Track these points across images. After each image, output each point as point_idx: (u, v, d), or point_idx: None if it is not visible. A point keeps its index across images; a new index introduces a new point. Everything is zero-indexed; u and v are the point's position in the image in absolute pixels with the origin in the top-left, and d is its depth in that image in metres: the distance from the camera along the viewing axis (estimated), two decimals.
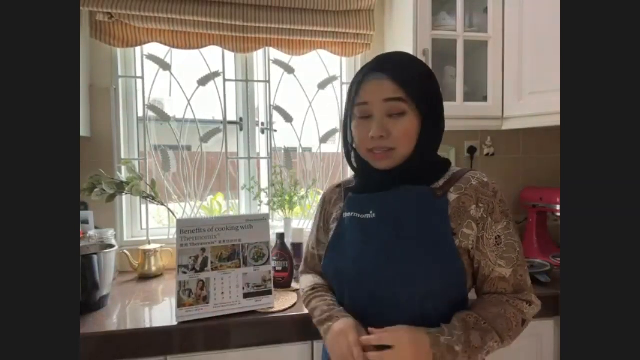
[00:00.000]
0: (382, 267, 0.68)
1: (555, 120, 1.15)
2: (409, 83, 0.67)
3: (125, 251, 1.29)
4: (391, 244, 0.68)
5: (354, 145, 0.75)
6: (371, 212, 0.72)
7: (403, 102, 0.67)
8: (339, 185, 0.83)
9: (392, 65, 0.69)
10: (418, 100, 0.67)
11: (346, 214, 0.76)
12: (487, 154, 1.55)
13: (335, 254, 0.75)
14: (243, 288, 0.96)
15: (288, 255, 1.16)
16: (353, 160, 0.77)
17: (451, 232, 0.67)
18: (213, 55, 1.46)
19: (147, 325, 0.91)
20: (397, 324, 0.64)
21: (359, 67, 1.60)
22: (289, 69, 1.52)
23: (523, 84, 1.23)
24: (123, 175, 1.32)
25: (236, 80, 1.50)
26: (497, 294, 0.70)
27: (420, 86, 0.69)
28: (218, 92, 1.46)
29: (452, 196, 0.69)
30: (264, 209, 1.49)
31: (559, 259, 1.31)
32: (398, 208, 0.70)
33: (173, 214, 1.36)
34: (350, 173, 0.83)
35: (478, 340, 0.62)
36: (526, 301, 0.69)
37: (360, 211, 0.73)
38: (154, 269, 1.30)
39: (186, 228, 0.95)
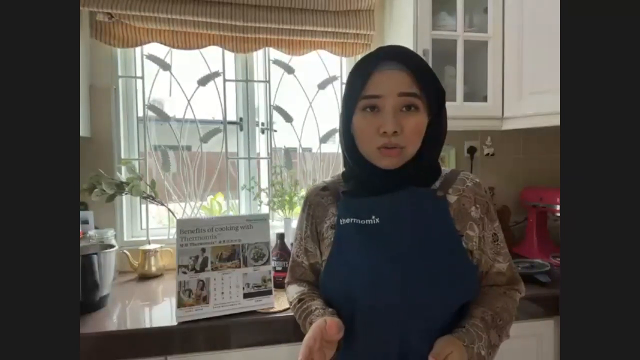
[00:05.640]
0: (403, 280, 0.61)
1: (555, 120, 1.15)
2: (423, 78, 0.63)
3: (125, 251, 1.29)
4: (406, 252, 0.63)
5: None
6: (374, 218, 0.66)
7: (417, 98, 0.62)
8: (324, 188, 0.76)
9: (407, 57, 0.64)
10: (429, 98, 0.64)
11: (343, 221, 0.68)
12: (487, 154, 1.54)
13: (337, 270, 0.67)
14: (243, 288, 0.96)
15: (288, 255, 1.15)
16: (351, 159, 0.70)
17: (458, 234, 0.66)
18: (213, 56, 1.46)
19: (147, 326, 0.91)
20: (422, 341, 0.60)
21: None
22: (289, 69, 1.52)
23: (523, 84, 1.23)
24: (123, 175, 1.32)
25: (236, 81, 1.50)
26: (493, 286, 0.71)
27: (433, 83, 0.65)
28: (218, 92, 1.46)
29: (451, 197, 0.68)
30: (264, 209, 1.49)
31: (559, 259, 1.31)
32: (404, 211, 0.65)
33: (173, 214, 1.36)
34: None
35: (496, 339, 0.62)
36: (517, 290, 0.72)
37: (359, 216, 0.67)
38: (154, 269, 1.30)
39: (186, 228, 0.95)
